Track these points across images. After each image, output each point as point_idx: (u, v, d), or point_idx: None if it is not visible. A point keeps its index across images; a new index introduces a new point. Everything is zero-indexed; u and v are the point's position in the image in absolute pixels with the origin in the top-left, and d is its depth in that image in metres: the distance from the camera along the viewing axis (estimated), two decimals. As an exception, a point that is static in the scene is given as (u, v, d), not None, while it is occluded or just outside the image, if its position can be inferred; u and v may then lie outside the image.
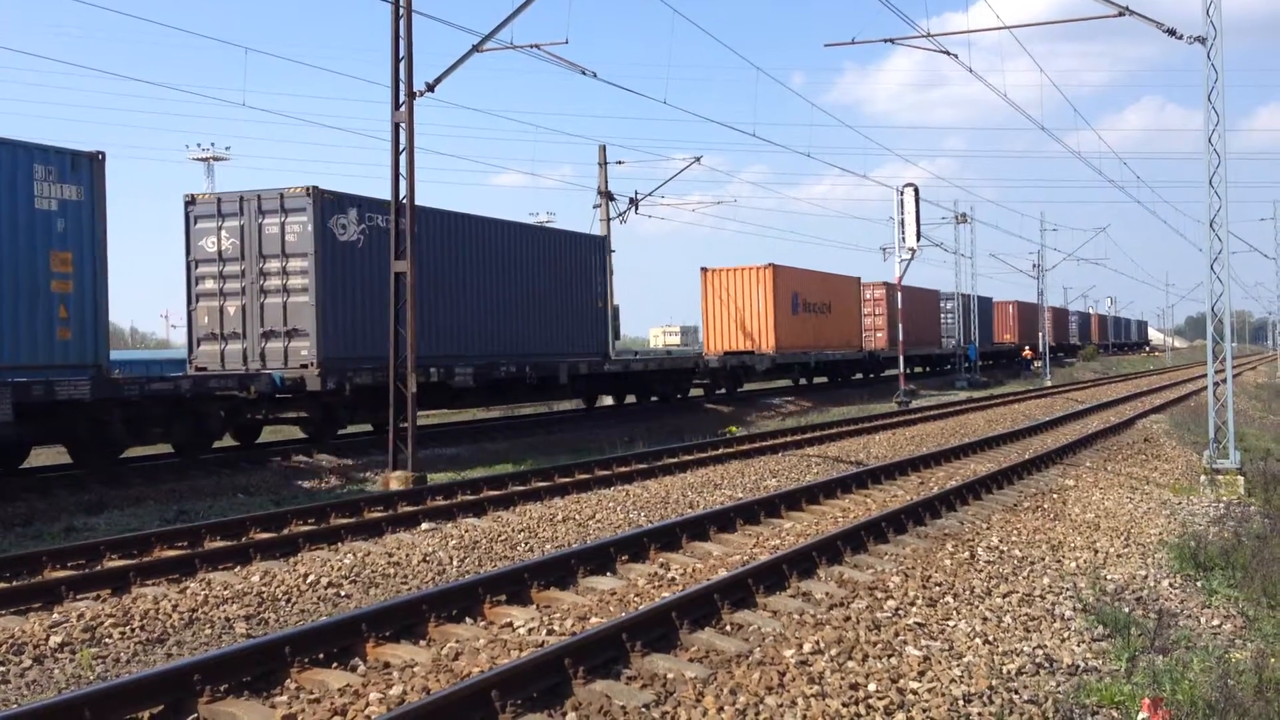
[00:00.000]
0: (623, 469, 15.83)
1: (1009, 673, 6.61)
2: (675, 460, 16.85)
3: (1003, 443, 20.36)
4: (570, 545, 10.58)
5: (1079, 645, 7.37)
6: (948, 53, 18.15)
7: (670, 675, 6.22)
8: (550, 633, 7.09)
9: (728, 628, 7.29)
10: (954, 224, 51.07)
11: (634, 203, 35.81)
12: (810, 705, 5.77)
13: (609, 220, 35.27)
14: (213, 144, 68.66)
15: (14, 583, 8.79)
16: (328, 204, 18.09)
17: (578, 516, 12.11)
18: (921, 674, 6.37)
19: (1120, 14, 15.34)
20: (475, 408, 25.69)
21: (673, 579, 8.70)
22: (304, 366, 17.77)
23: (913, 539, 10.50)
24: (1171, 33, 15.33)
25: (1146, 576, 9.63)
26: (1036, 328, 62.57)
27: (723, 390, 32.81)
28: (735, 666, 6.35)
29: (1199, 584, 9.47)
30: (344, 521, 11.38)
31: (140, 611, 7.91)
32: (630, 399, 29.37)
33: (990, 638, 7.27)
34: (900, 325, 38.71)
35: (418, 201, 16.08)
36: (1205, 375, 16.81)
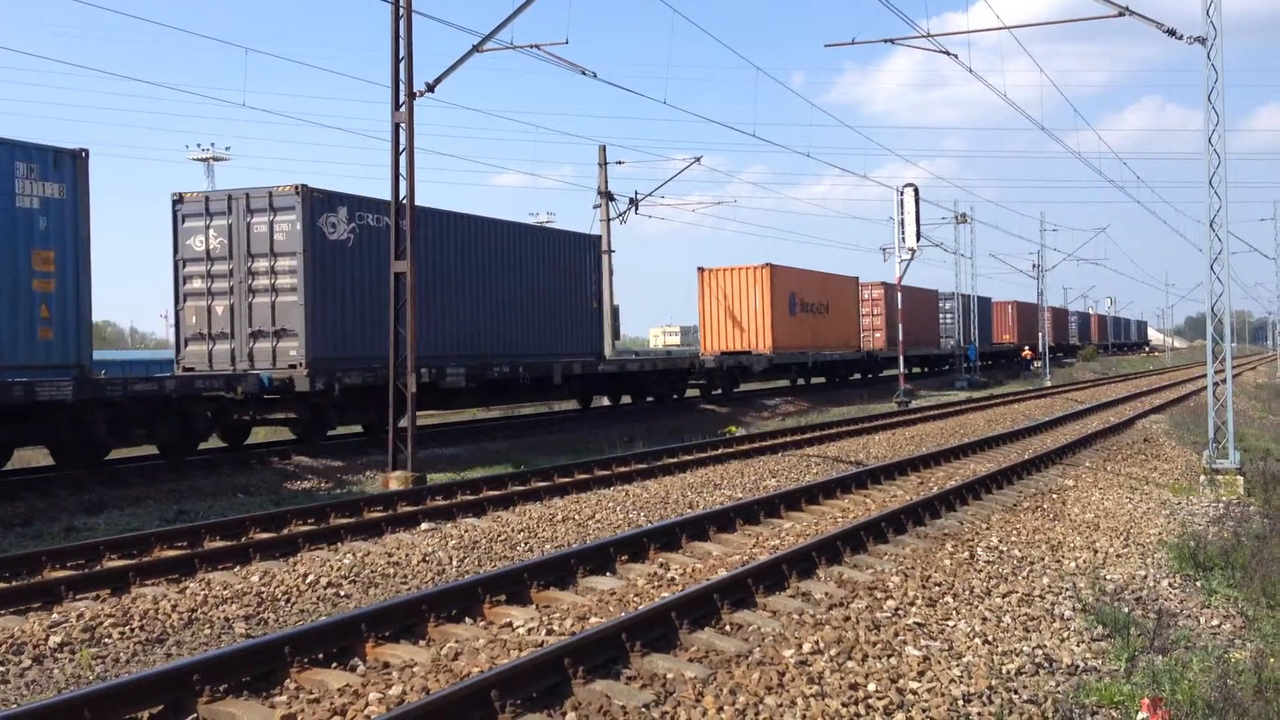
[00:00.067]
0: (622, 469, 15.83)
1: (1008, 673, 6.61)
2: (675, 460, 16.85)
3: (1002, 443, 20.36)
4: (570, 545, 10.58)
5: (1078, 645, 7.37)
6: (948, 53, 18.16)
7: (670, 675, 6.22)
8: (550, 633, 7.09)
9: (727, 628, 7.29)
10: (954, 224, 51.13)
11: (634, 203, 35.85)
12: (810, 705, 5.77)
13: (609, 220, 35.30)
14: (213, 144, 68.63)
15: (14, 583, 8.79)
16: (317, 202, 17.96)
17: (577, 516, 12.11)
18: (921, 674, 6.37)
19: (1120, 14, 15.34)
20: (467, 409, 25.59)
21: (672, 579, 8.70)
22: (292, 367, 17.62)
23: (912, 539, 10.50)
24: (1171, 33, 15.34)
25: (1146, 576, 9.64)
26: (1036, 328, 62.60)
27: (719, 391, 32.72)
28: (735, 666, 6.35)
29: (1198, 584, 9.47)
30: (344, 521, 11.38)
31: (140, 611, 7.91)
32: (626, 399, 29.28)
33: (990, 638, 7.27)
34: (900, 325, 38.71)
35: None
36: (1205, 375, 16.81)
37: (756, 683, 6.05)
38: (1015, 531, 11.19)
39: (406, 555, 9.97)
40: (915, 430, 23.65)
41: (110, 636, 7.42)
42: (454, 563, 9.87)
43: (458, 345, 21.00)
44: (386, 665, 6.54)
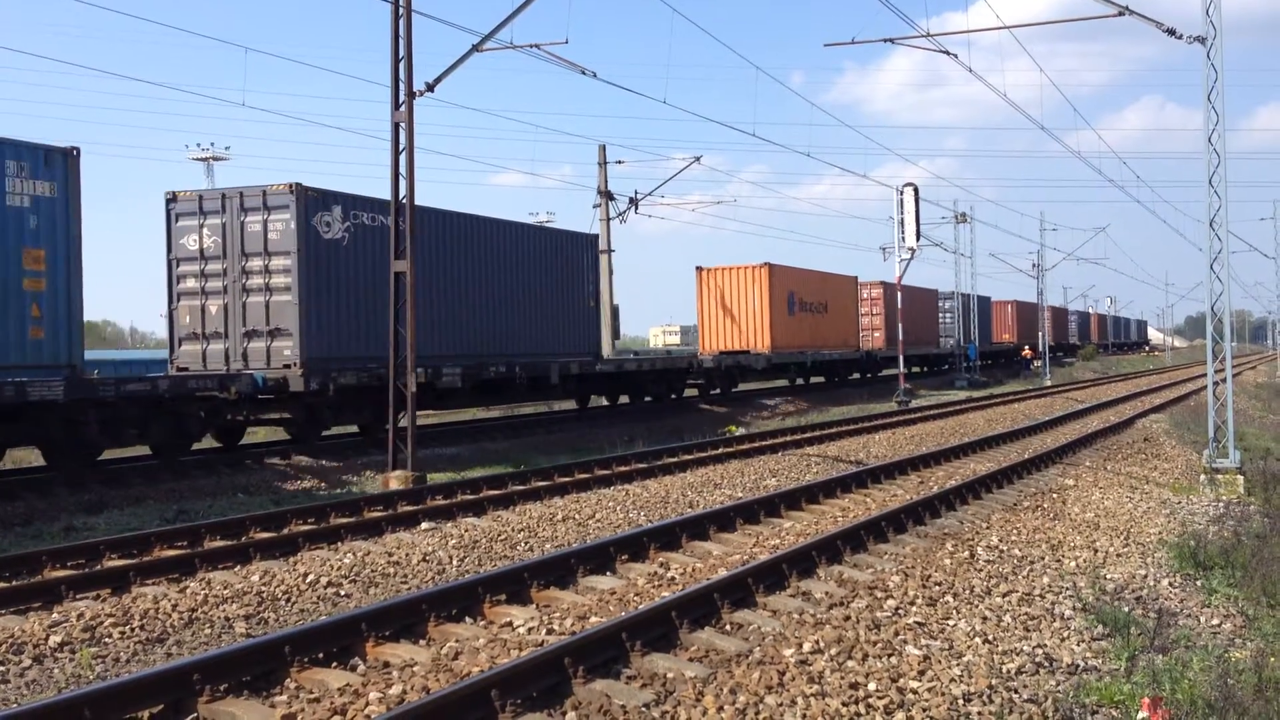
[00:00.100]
0: (622, 468, 15.83)
1: (1009, 672, 6.61)
2: (675, 460, 16.85)
3: (1002, 442, 20.36)
4: (570, 545, 10.58)
5: (1079, 644, 7.38)
6: (947, 52, 18.16)
7: (670, 675, 6.22)
8: (550, 632, 7.09)
9: (728, 627, 7.29)
10: (954, 224, 51.13)
11: (634, 202, 35.86)
12: (810, 705, 5.77)
13: (609, 220, 35.30)
14: (212, 144, 68.61)
15: (14, 582, 8.79)
16: (311, 201, 17.86)
17: (577, 516, 12.11)
18: (921, 673, 6.37)
19: (1120, 14, 15.34)
20: (463, 409, 25.50)
21: (673, 578, 8.70)
22: (287, 367, 17.52)
23: (912, 538, 10.50)
24: (1171, 32, 15.34)
25: (1146, 576, 9.64)
26: (1035, 327, 62.60)
27: (717, 391, 32.65)
28: (735, 666, 6.35)
29: (1199, 583, 9.48)
30: (344, 521, 11.38)
31: (140, 611, 7.91)
32: (624, 399, 29.20)
33: (990, 637, 7.28)
34: (900, 325, 38.69)
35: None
36: (1205, 375, 16.81)
37: (757, 682, 6.05)
38: (1015, 531, 11.19)
39: (407, 555, 9.97)
40: (915, 430, 23.65)
41: (110, 636, 7.42)
42: (454, 562, 9.87)
43: (454, 345, 20.88)
44: (387, 665, 6.54)
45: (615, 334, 36.03)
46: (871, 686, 6.07)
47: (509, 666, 5.84)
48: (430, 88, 16.05)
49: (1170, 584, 9.40)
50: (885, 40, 18.76)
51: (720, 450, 18.68)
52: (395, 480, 14.85)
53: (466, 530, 11.14)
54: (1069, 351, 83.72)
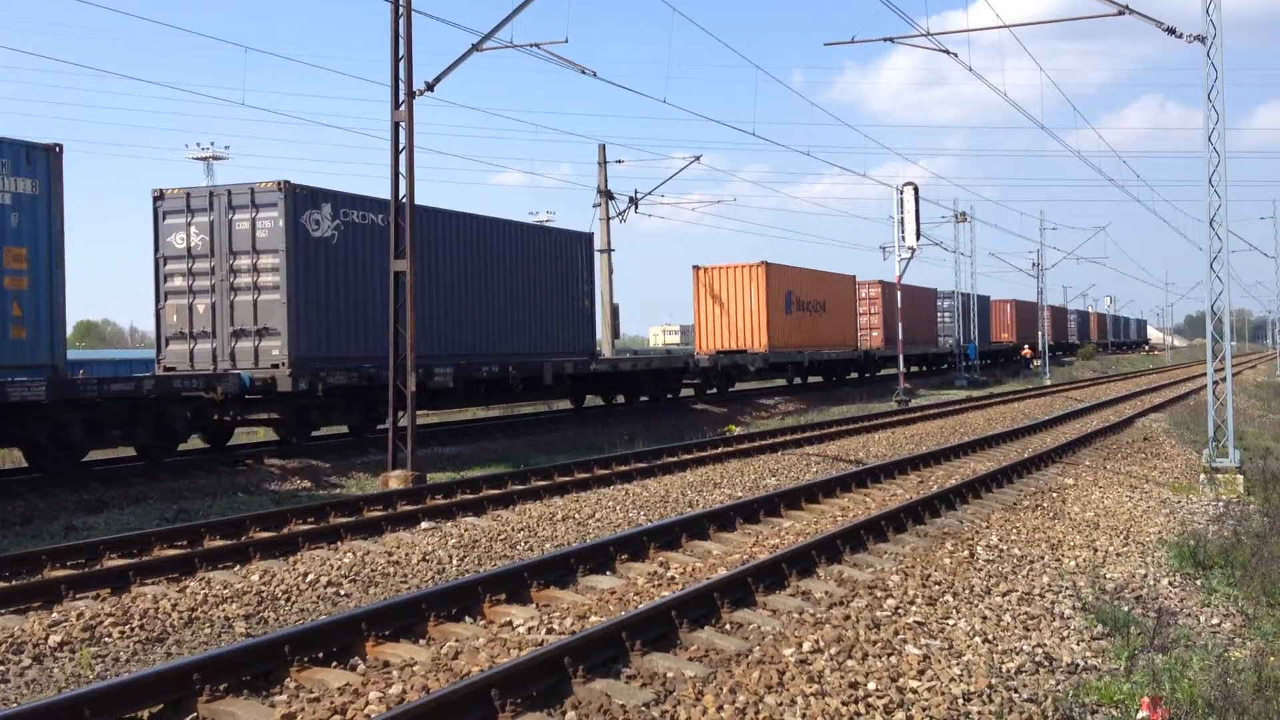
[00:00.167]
0: (622, 468, 15.83)
1: (1008, 671, 6.61)
2: (675, 459, 16.85)
3: (1002, 441, 20.36)
4: (570, 544, 10.58)
5: (1078, 644, 7.38)
6: (948, 51, 18.16)
7: (670, 674, 6.22)
8: (550, 632, 7.09)
9: (727, 627, 7.29)
10: (954, 223, 51.11)
11: (634, 201, 35.81)
12: (810, 704, 5.77)
13: (609, 219, 35.27)
14: (212, 143, 68.80)
15: (14, 582, 8.79)
16: (300, 199, 17.69)
17: (577, 515, 12.11)
18: (921, 673, 6.37)
19: (1120, 13, 15.34)
20: (456, 409, 25.37)
21: (672, 578, 8.70)
22: (275, 366, 17.33)
23: (912, 538, 10.50)
24: (1171, 31, 15.34)
25: (1146, 575, 9.64)
26: (1035, 326, 62.59)
27: (714, 390, 32.57)
28: (735, 665, 6.35)
29: (1198, 582, 9.48)
30: (344, 520, 11.38)
31: (140, 610, 7.92)
32: (619, 399, 29.08)
33: (990, 636, 7.28)
34: (900, 324, 38.68)
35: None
36: (1205, 374, 16.82)
37: (756, 682, 6.05)
38: (1015, 530, 11.19)
39: (406, 554, 9.97)
40: (915, 429, 23.65)
41: (110, 635, 7.42)
42: (454, 562, 9.87)
43: (446, 345, 20.67)
44: (386, 664, 6.54)
45: (615, 333, 35.99)
46: (871, 686, 6.07)
47: (509, 666, 5.84)
48: (430, 87, 16.05)
49: (1170, 583, 9.40)
50: (885, 39, 18.77)
51: (720, 450, 18.69)
52: (395, 480, 14.85)
53: (466, 530, 11.14)
54: (1068, 351, 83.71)
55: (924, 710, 5.81)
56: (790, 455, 18.25)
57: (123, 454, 17.08)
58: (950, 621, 7.54)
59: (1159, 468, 17.75)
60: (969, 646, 7.01)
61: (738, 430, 23.92)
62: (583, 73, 18.29)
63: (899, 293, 38.10)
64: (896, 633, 7.13)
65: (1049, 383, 47.39)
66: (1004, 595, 8.42)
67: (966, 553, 9.85)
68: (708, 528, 10.84)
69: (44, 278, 13.81)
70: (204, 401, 16.43)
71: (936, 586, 8.48)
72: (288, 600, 8.46)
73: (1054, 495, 13.69)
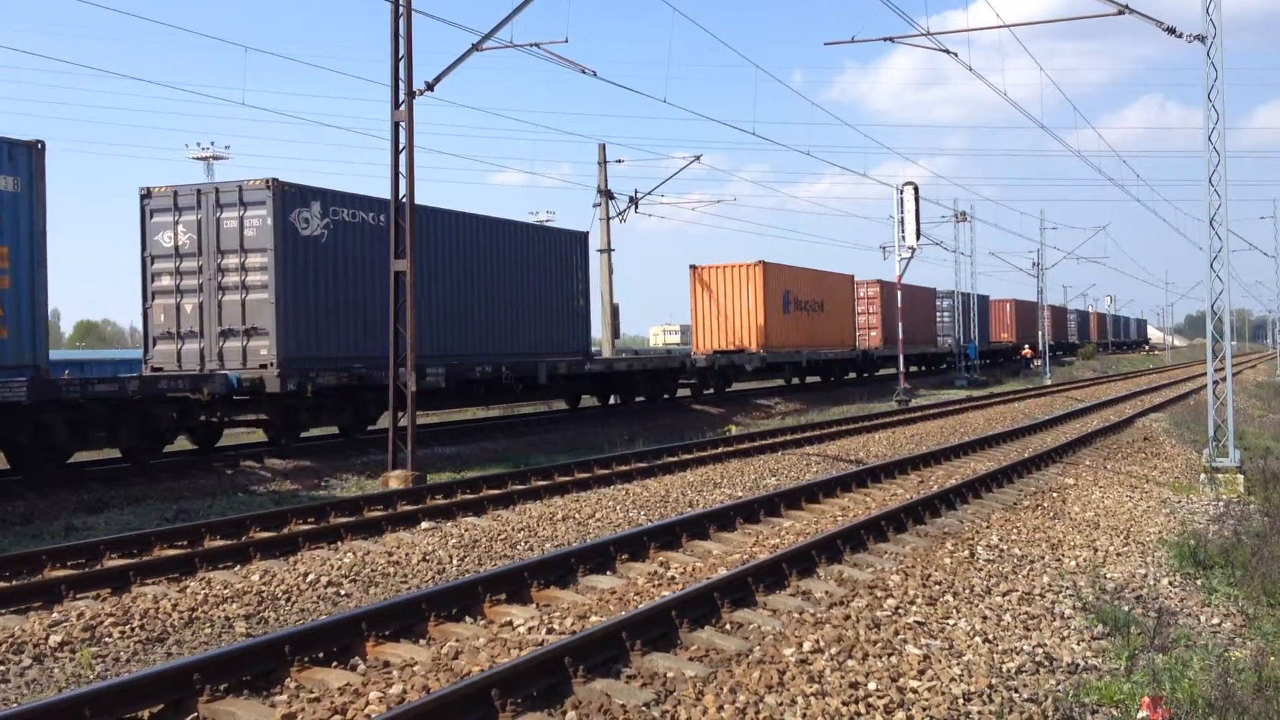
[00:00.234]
0: (622, 468, 15.83)
1: (1009, 671, 6.61)
2: (675, 459, 16.85)
3: (1002, 441, 20.36)
4: (570, 544, 10.58)
5: (1079, 644, 7.38)
6: (948, 51, 18.16)
7: (670, 674, 6.22)
8: (550, 631, 7.09)
9: (728, 626, 7.29)
10: (954, 222, 51.10)
11: (634, 201, 35.78)
12: (810, 704, 5.77)
13: (609, 219, 35.25)
14: (212, 143, 68.78)
15: (14, 582, 8.79)
16: (289, 197, 17.49)
17: (577, 515, 12.11)
18: (921, 672, 6.37)
19: (1120, 12, 15.34)
20: (448, 409, 25.19)
21: (673, 578, 8.70)
22: (263, 367, 17.12)
23: (912, 537, 10.50)
24: (1171, 31, 15.34)
25: (1146, 575, 9.64)
26: (1035, 326, 62.58)
27: (711, 390, 32.50)
28: (735, 665, 6.35)
29: (1199, 582, 9.48)
30: (344, 520, 11.38)
31: (140, 610, 7.92)
32: (615, 399, 28.91)
33: (990, 636, 7.28)
34: (900, 323, 38.66)
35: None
36: (1205, 374, 16.82)
37: (757, 681, 6.05)
38: (1015, 530, 11.19)
39: (407, 554, 9.97)
40: (915, 429, 23.65)
41: (111, 635, 7.42)
42: (454, 561, 9.87)
43: (437, 345, 20.44)
44: (387, 664, 6.54)
45: (615, 333, 35.96)
46: (871, 686, 6.07)
47: (509, 666, 5.85)
48: (430, 87, 16.05)
49: (1170, 583, 9.40)
50: (885, 39, 18.77)
51: (720, 450, 18.69)
52: (395, 480, 14.85)
53: (466, 529, 11.14)
54: (1069, 350, 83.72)
55: (924, 710, 5.81)
56: (790, 455, 18.25)
57: (111, 455, 16.96)
58: (950, 621, 7.54)
59: (1159, 467, 17.75)
60: (969, 646, 7.01)
61: (736, 430, 23.91)
62: (583, 72, 18.31)
63: (899, 292, 38.09)
64: (897, 632, 7.13)
65: (1049, 382, 47.39)
66: (1004, 595, 8.42)
67: (967, 552, 9.85)
68: (708, 527, 10.84)
69: (25, 277, 13.51)
70: (190, 402, 16.17)
71: (937, 586, 8.48)
72: (288, 600, 8.46)
73: (1054, 495, 13.69)
